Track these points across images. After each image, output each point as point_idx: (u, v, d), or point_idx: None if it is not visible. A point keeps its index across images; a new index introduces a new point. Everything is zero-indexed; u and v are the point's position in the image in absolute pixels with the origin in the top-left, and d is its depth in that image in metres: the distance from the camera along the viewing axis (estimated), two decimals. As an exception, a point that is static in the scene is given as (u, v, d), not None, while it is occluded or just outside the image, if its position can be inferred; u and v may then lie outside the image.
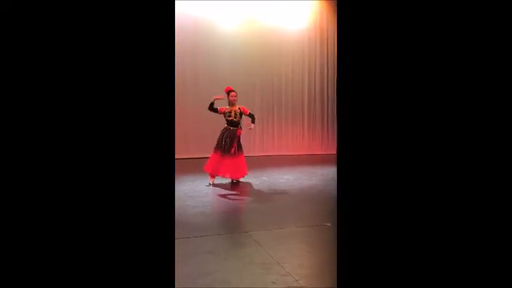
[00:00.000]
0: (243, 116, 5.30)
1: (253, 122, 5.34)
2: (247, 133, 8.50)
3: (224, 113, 5.25)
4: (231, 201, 4.63)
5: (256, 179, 5.78)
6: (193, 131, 7.79)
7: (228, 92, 5.25)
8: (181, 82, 7.76)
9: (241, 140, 5.40)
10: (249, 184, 5.48)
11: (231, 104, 5.25)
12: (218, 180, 5.50)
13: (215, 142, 5.35)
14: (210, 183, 5.31)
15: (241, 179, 5.54)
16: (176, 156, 6.77)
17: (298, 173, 6.48)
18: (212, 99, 5.18)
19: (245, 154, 8.51)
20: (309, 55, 9.14)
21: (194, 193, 4.88)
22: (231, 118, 5.23)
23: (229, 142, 5.23)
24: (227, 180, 5.53)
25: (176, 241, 3.17)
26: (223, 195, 4.83)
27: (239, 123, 5.30)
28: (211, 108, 5.20)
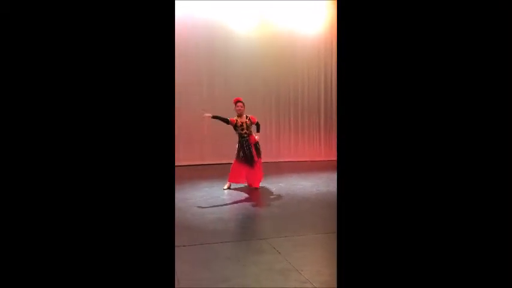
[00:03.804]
0: (253, 126, 5.42)
1: (258, 131, 5.48)
2: (262, 138, 8.54)
3: (235, 126, 5.29)
4: (248, 207, 4.65)
5: (273, 185, 5.79)
6: (209, 136, 7.85)
7: (235, 103, 5.29)
8: (197, 86, 7.83)
9: (258, 145, 5.48)
10: (266, 190, 5.50)
11: (239, 115, 5.29)
12: (234, 185, 5.54)
13: (235, 152, 5.44)
14: (224, 188, 5.42)
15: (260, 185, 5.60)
16: (192, 163, 6.80)
17: (316, 179, 6.46)
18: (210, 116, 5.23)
19: (262, 160, 8.55)
20: (325, 58, 9.03)
21: (212, 199, 4.93)
22: (243, 131, 5.30)
23: (249, 152, 5.33)
24: (245, 187, 5.57)
25: (195, 247, 3.23)
26: (241, 202, 4.86)
27: (251, 133, 5.38)
28: (221, 119, 5.24)
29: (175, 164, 7.51)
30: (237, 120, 5.27)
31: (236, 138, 5.45)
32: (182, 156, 7.53)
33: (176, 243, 3.13)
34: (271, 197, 5.15)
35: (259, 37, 8.37)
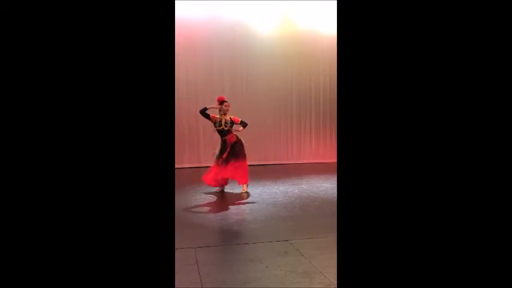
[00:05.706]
0: (234, 125, 5.29)
1: (243, 126, 5.29)
2: (285, 140, 8.51)
3: (215, 123, 5.28)
4: (270, 208, 4.63)
5: (295, 187, 5.76)
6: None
7: (222, 102, 5.29)
8: (219, 87, 7.83)
9: (244, 147, 5.37)
10: (288, 192, 5.47)
11: (224, 113, 5.28)
12: (254, 188, 5.52)
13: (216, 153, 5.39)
14: (217, 190, 5.37)
15: (244, 189, 5.41)
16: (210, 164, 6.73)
17: (338, 180, 6.38)
18: (208, 107, 5.25)
19: (282, 162, 8.42)
20: (347, 58, 8.94)
21: (234, 200, 4.93)
22: (221, 127, 5.27)
23: (221, 152, 5.29)
24: (267, 189, 5.55)
25: (218, 248, 3.23)
26: (263, 203, 4.84)
27: (230, 131, 5.29)
28: (204, 113, 5.23)
29: (198, 165, 7.49)
30: (217, 117, 5.27)
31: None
32: (204, 158, 7.57)
33: (199, 244, 3.16)
34: (293, 198, 5.12)
35: (281, 36, 8.34)
